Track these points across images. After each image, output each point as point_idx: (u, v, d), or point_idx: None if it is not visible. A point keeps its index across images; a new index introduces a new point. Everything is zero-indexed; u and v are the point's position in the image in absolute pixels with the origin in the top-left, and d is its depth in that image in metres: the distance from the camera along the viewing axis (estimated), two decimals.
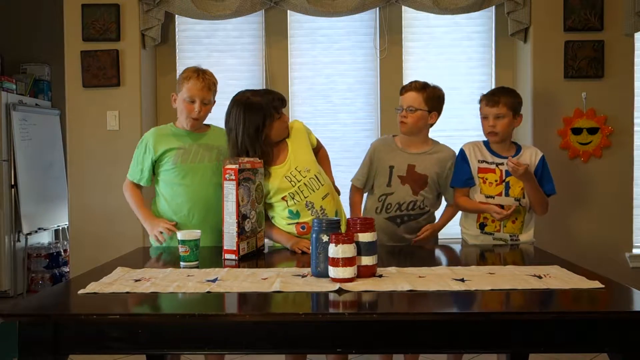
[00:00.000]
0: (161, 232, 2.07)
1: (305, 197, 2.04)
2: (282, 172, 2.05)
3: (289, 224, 2.07)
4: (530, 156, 2.19)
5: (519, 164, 2.07)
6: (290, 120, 2.17)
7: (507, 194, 2.15)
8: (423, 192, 2.23)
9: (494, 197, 2.16)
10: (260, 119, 1.97)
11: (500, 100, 2.15)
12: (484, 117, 2.19)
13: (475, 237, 2.21)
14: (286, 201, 2.05)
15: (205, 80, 2.10)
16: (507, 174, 2.15)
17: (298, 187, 2.04)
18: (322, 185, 2.08)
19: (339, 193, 2.21)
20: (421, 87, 2.22)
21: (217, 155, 2.16)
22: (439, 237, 2.38)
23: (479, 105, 2.24)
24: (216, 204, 2.10)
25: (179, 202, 2.12)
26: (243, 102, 2.00)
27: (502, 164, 2.17)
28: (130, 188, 2.20)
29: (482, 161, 2.20)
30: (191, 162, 2.12)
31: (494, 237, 2.17)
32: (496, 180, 2.16)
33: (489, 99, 2.17)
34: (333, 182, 2.21)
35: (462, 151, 2.26)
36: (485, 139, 2.24)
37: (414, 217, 2.24)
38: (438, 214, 2.36)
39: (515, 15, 3.13)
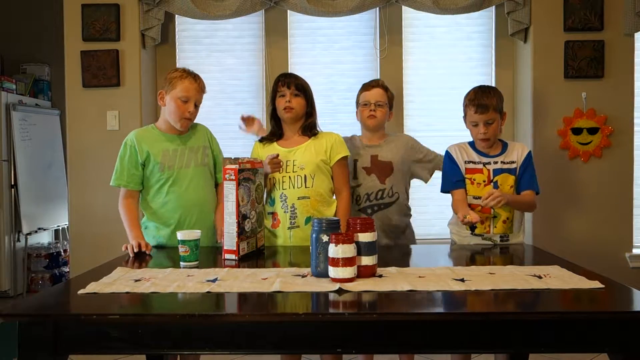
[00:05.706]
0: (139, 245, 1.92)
1: (283, 189, 2.11)
2: (281, 155, 2.14)
3: (268, 213, 2.16)
4: (517, 153, 2.15)
5: (493, 196, 1.99)
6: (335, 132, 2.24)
7: None
8: (389, 179, 2.26)
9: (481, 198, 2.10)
10: (273, 91, 2.24)
11: (490, 106, 2.08)
12: (473, 124, 2.13)
13: (463, 238, 2.17)
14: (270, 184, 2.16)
15: (199, 82, 2.12)
16: (495, 172, 2.12)
17: (282, 176, 2.12)
18: (307, 188, 2.10)
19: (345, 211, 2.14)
20: (384, 85, 2.33)
21: (202, 156, 2.14)
22: (434, 237, 2.37)
23: (463, 108, 2.18)
24: (210, 205, 2.15)
25: (169, 208, 2.07)
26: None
27: (489, 163, 2.13)
28: (126, 202, 2.07)
29: (469, 162, 2.16)
30: (178, 168, 2.08)
31: (483, 238, 2.13)
32: (484, 181, 2.12)
33: (479, 106, 2.08)
34: (347, 200, 2.17)
35: (448, 153, 2.20)
36: (470, 140, 2.21)
37: (384, 206, 2.27)
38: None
39: (515, 15, 3.13)
